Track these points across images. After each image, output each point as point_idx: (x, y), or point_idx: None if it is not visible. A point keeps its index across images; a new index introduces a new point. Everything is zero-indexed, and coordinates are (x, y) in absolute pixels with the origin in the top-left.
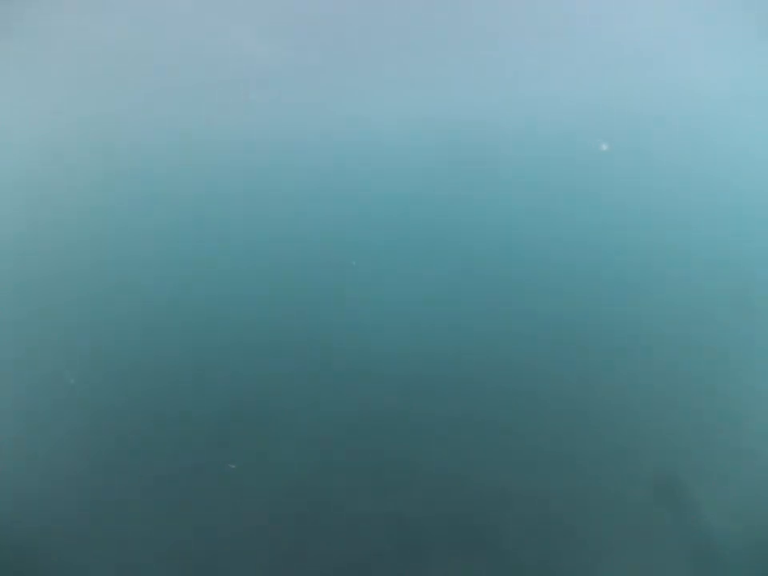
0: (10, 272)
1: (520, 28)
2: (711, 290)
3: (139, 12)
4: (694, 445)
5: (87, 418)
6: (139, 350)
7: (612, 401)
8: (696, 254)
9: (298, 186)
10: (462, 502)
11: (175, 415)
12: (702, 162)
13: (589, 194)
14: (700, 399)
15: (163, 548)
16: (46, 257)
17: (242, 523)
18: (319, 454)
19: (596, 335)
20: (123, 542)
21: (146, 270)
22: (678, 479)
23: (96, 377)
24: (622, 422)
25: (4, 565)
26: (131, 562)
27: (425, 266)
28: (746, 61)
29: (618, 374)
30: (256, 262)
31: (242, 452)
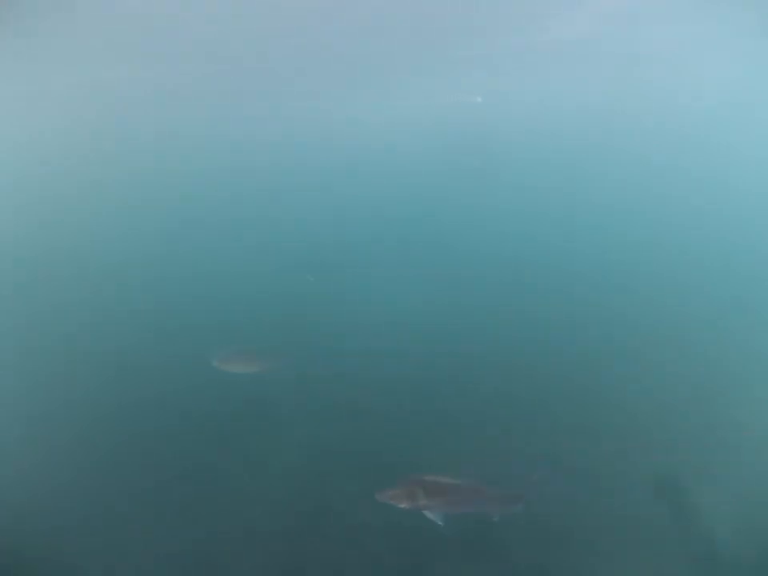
0: (8, 272)
1: (521, 31)
2: (712, 292)
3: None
4: (694, 448)
5: (85, 419)
6: (137, 352)
7: (611, 403)
8: (696, 256)
9: (299, 188)
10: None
11: (174, 419)
12: (702, 164)
13: (589, 196)
14: (701, 402)
15: (157, 554)
16: (44, 255)
17: (239, 532)
18: (319, 459)
19: (596, 339)
20: (119, 546)
21: (145, 270)
22: (679, 483)
23: (94, 378)
24: (621, 425)
25: (3, 566)
26: (127, 566)
27: (424, 267)
28: (745, 62)
29: (618, 378)
30: (256, 263)
31: (240, 457)
